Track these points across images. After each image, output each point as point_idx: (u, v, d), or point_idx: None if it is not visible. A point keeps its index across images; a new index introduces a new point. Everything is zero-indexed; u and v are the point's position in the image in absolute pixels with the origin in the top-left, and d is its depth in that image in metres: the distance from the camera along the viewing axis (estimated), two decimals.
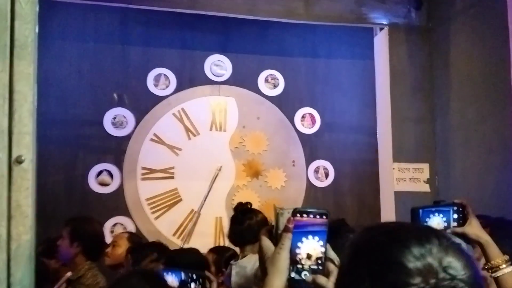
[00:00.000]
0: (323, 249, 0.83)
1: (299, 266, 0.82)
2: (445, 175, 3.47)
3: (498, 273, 1.24)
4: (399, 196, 3.47)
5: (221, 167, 3.62)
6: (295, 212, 0.84)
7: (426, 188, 3.53)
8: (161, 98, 3.62)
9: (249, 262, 2.05)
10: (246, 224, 2.16)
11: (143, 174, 3.55)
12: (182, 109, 3.65)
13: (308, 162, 3.77)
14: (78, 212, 3.38)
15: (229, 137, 3.69)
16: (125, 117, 3.55)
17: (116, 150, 3.52)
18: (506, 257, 1.26)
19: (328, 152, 3.81)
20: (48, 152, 3.35)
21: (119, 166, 3.51)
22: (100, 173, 3.48)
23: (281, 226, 0.85)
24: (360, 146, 3.83)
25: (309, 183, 3.76)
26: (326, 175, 3.79)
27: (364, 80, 3.86)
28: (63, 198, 3.38)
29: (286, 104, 3.80)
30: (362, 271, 0.60)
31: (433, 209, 1.32)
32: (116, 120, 3.54)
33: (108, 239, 3.42)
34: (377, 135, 3.78)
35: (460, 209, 1.32)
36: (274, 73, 3.79)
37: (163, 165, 3.58)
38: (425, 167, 3.54)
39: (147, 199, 3.54)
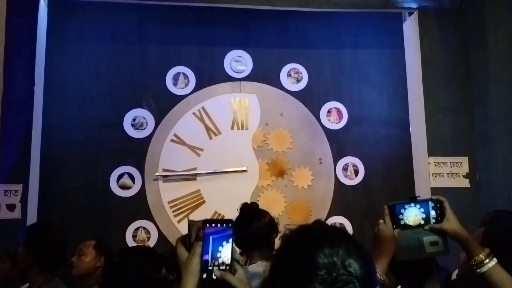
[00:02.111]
0: (230, 252, 0.98)
1: (210, 268, 0.96)
2: (486, 169, 3.19)
3: (484, 269, 1.23)
4: (437, 193, 3.17)
5: (246, 169, 3.46)
6: (204, 222, 0.99)
7: (465, 183, 3.27)
8: (180, 98, 3.50)
9: (259, 268, 1.85)
10: (255, 226, 1.97)
11: (165, 176, 3.44)
12: (203, 108, 3.52)
13: (336, 159, 3.57)
14: (99, 217, 3.32)
15: (252, 136, 3.53)
16: (144, 118, 3.46)
17: (136, 152, 3.43)
18: (487, 250, 1.26)
19: (357, 148, 3.59)
20: (67, 156, 3.30)
21: (140, 168, 3.42)
22: (121, 176, 3.39)
23: (193, 235, 0.99)
24: (392, 140, 3.59)
25: (337, 181, 3.55)
26: (356, 173, 3.57)
27: (393, 70, 3.63)
28: (84, 203, 3.31)
29: (311, 99, 3.61)
30: (285, 261, 0.78)
31: (409, 203, 1.34)
32: (136, 121, 3.45)
33: (131, 244, 3.36)
34: (410, 128, 3.54)
35: (438, 205, 1.33)
36: (297, 66, 3.62)
37: (185, 166, 3.46)
38: (464, 160, 3.28)
39: (170, 202, 3.43)
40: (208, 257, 0.97)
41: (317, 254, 0.74)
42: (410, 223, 1.32)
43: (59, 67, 3.31)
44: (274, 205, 3.45)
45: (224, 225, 1.00)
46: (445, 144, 3.28)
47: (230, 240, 0.99)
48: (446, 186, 3.23)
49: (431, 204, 1.33)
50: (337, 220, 3.50)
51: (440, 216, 1.32)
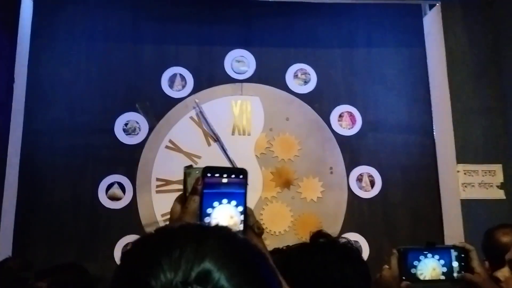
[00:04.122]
0: (241, 216, 0.71)
1: None
2: None
3: None
4: (467, 205, 2.81)
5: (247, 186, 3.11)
6: (205, 171, 0.74)
7: (500, 194, 2.85)
8: (177, 101, 3.22)
9: None
10: None
11: (158, 186, 3.13)
12: (201, 112, 3.23)
13: (349, 169, 3.18)
14: (85, 231, 3.03)
15: (254, 142, 3.20)
16: (137, 122, 3.18)
17: (128, 159, 3.14)
18: None
19: (372, 156, 3.21)
20: (52, 163, 3.04)
21: (132, 177, 3.12)
22: (110, 186, 3.10)
23: (190, 188, 0.75)
24: (413, 147, 3.20)
25: (351, 193, 3.16)
26: (372, 184, 3.17)
27: (413, 69, 3.27)
28: (70, 215, 3.02)
29: (320, 102, 3.27)
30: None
31: (426, 251, 1.11)
32: (128, 126, 3.18)
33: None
34: (434, 133, 3.14)
35: (462, 255, 1.12)
36: (305, 67, 3.30)
37: (181, 176, 3.10)
38: (498, 168, 2.86)
39: (163, 215, 3.10)
40: (210, 219, 0.71)
41: (151, 275, 0.47)
42: (426, 278, 1.10)
43: (45, 67, 3.09)
44: (280, 219, 3.09)
45: (234, 175, 0.72)
46: (476, 150, 2.89)
47: (242, 197, 0.72)
48: (478, 197, 2.82)
49: (454, 253, 1.12)
50: (351, 237, 3.08)
51: (465, 269, 1.11)
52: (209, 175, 0.73)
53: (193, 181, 0.74)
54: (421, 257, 1.11)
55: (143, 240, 0.54)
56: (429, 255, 1.11)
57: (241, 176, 0.73)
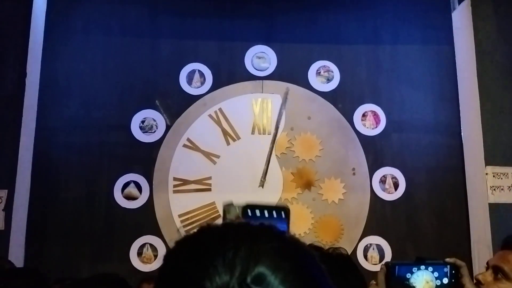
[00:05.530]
0: None
1: None
2: None
3: None
4: (496, 210, 2.69)
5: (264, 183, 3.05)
6: (245, 209, 0.71)
7: None
8: (195, 98, 3.13)
9: None
10: None
11: (176, 186, 3.05)
12: (220, 109, 3.13)
13: (372, 170, 3.09)
14: (101, 231, 2.95)
15: (275, 141, 3.11)
16: (155, 120, 3.09)
17: (144, 158, 3.06)
18: None
19: (396, 157, 3.11)
20: (66, 161, 2.96)
21: (148, 176, 3.04)
22: (126, 185, 3.02)
23: None
24: (439, 148, 3.09)
25: (374, 195, 3.06)
26: (396, 186, 3.07)
27: (440, 66, 3.16)
28: (85, 215, 2.95)
29: (343, 100, 3.17)
30: None
31: (415, 266, 1.09)
32: (145, 123, 3.09)
33: (135, 262, 2.98)
34: (462, 134, 3.03)
35: (453, 271, 1.11)
36: (328, 64, 3.19)
37: (198, 175, 3.06)
38: None
39: (181, 215, 3.02)
40: None
41: (206, 277, 0.47)
42: None
43: (60, 61, 3.00)
44: (300, 221, 3.00)
45: (275, 213, 0.72)
46: (506, 151, 2.76)
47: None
48: (507, 201, 2.70)
49: (445, 269, 1.10)
50: (373, 240, 3.01)
51: (455, 286, 1.10)
52: (249, 213, 0.71)
53: (233, 218, 0.74)
54: (414, 269, 1.08)
55: (190, 240, 0.53)
56: (422, 267, 1.08)
57: (283, 213, 0.72)
